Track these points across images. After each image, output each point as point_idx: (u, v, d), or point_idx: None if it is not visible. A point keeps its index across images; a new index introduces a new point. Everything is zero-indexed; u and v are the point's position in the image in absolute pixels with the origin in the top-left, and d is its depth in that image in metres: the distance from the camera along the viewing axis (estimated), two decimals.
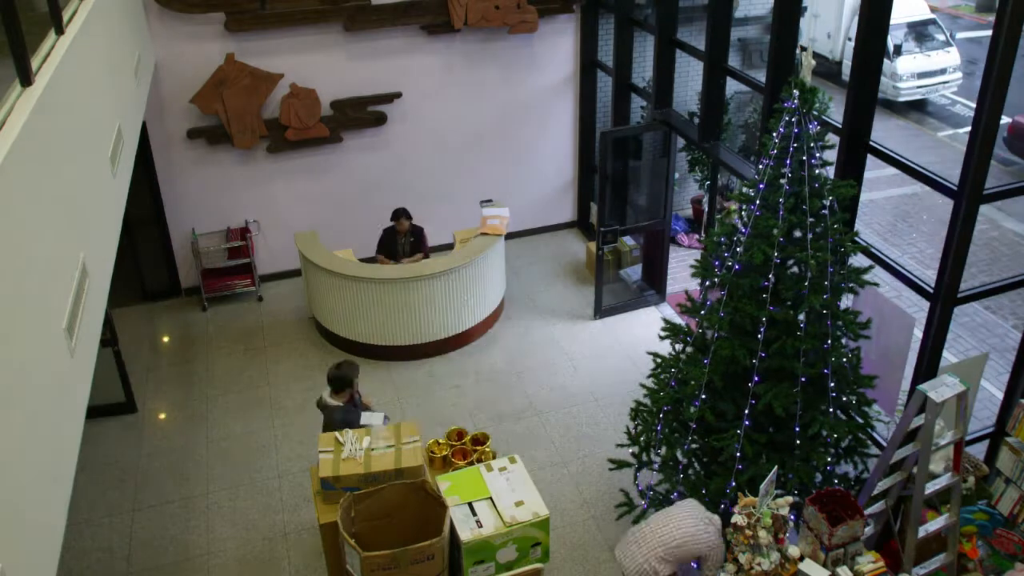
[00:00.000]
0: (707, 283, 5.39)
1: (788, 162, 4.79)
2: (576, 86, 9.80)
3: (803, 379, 4.99)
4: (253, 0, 8.17)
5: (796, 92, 4.71)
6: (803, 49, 4.95)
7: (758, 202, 4.93)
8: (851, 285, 5.07)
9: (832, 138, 5.10)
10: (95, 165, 4.59)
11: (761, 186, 4.91)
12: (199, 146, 8.74)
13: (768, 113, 6.10)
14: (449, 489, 5.09)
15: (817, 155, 4.81)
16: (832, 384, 5.06)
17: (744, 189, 5.16)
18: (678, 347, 5.71)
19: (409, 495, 5.07)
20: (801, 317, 4.88)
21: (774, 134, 4.84)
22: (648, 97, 8.87)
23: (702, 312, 5.35)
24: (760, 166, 4.96)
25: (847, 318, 5.03)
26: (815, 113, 4.76)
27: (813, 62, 4.81)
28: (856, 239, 5.13)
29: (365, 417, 5.85)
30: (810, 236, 4.85)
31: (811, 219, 4.83)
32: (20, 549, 2.61)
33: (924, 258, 10.27)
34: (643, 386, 5.92)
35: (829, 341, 4.97)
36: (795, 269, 5.01)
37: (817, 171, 4.82)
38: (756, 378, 5.03)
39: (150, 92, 7.74)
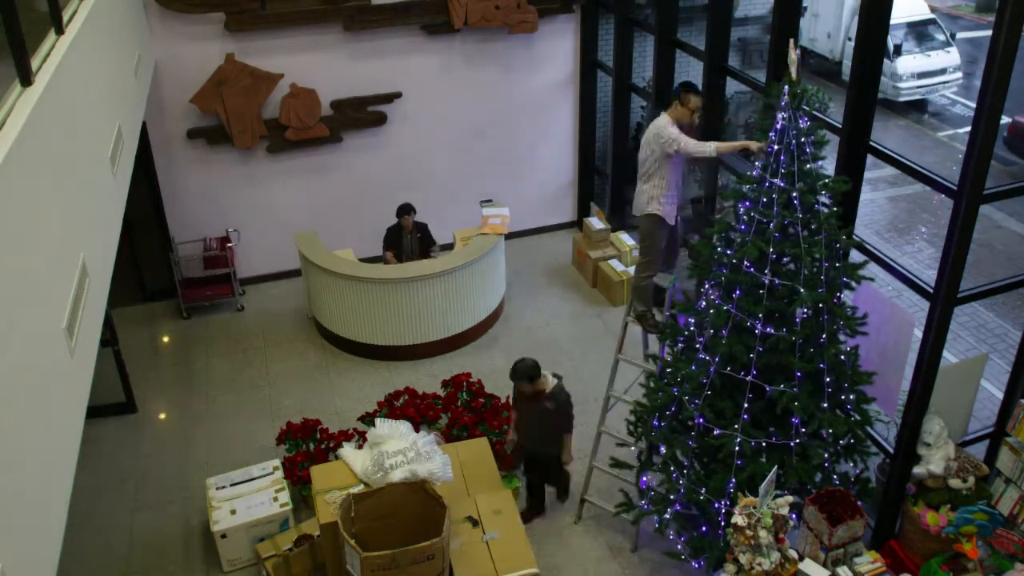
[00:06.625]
0: (710, 283, 5.39)
1: (781, 158, 4.79)
2: (576, 86, 9.79)
3: (799, 374, 4.98)
4: (253, 0, 8.17)
5: (785, 88, 4.71)
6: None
7: (760, 197, 4.93)
8: (846, 280, 5.07)
9: (829, 136, 5.10)
10: (95, 165, 4.59)
11: (766, 183, 4.90)
12: (199, 146, 8.74)
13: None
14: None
15: (808, 150, 4.80)
16: (830, 380, 5.06)
17: (737, 186, 5.15)
18: (677, 347, 5.71)
19: (409, 495, 5.07)
20: (797, 312, 4.87)
21: (770, 133, 4.84)
22: (648, 97, 8.87)
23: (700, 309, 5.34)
24: (753, 162, 4.97)
25: (843, 313, 5.03)
26: (805, 108, 4.75)
27: (795, 56, 4.79)
28: (850, 235, 5.13)
29: None
30: (804, 232, 4.85)
31: (806, 215, 4.83)
32: (20, 549, 2.61)
33: (923, 257, 10.27)
34: (642, 385, 5.92)
35: (825, 336, 4.97)
36: (791, 266, 5.01)
37: (808, 166, 4.82)
38: (755, 372, 5.03)
39: (150, 92, 7.73)
